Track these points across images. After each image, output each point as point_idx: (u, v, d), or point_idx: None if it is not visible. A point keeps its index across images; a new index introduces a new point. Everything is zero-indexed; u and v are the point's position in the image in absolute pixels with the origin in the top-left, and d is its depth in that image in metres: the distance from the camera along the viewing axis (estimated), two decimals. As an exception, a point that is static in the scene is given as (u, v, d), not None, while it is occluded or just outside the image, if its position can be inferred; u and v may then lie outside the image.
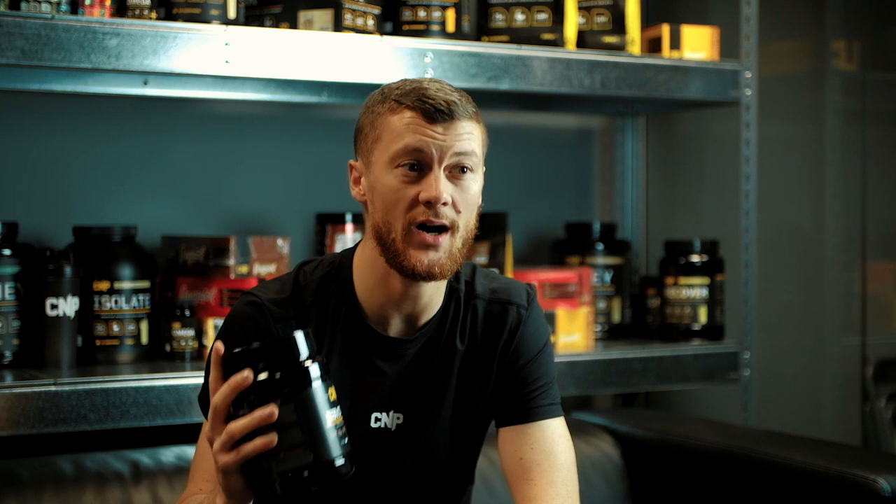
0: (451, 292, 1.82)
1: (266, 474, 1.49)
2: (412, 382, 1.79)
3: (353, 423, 1.76)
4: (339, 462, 1.51)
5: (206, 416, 1.72)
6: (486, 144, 1.76)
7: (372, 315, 1.78)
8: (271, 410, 1.47)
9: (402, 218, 1.68)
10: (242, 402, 1.49)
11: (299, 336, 1.52)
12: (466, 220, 1.72)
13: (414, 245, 1.68)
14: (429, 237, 1.68)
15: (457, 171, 1.70)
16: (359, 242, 1.82)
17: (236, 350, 1.51)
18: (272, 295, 1.77)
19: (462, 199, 1.70)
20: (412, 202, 1.68)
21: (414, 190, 1.68)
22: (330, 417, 1.51)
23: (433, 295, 1.78)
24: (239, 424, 1.49)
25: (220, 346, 1.53)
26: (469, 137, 1.70)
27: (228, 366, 1.51)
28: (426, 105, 1.68)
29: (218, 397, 1.51)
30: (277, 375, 1.49)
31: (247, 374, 1.49)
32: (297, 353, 1.51)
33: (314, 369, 1.51)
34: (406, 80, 1.75)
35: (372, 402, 1.78)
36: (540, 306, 1.88)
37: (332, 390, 1.53)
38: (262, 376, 1.49)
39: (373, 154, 1.72)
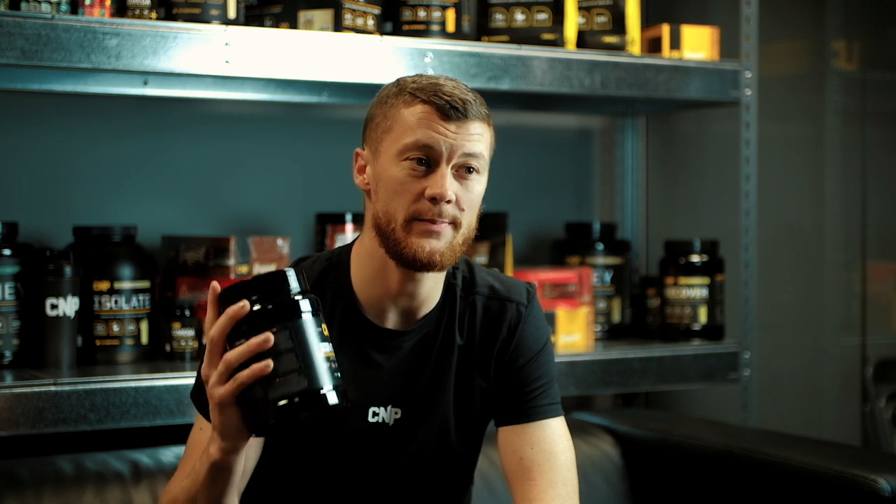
0: (448, 288, 1.82)
1: (261, 402, 1.53)
2: (410, 377, 1.80)
3: (350, 417, 1.76)
4: (332, 392, 1.54)
5: (199, 411, 1.74)
6: (493, 148, 1.77)
7: (369, 307, 1.78)
8: (267, 336, 1.51)
9: (405, 210, 1.69)
10: (238, 333, 1.53)
11: (290, 272, 1.57)
12: (469, 220, 1.73)
13: (415, 233, 1.69)
14: (431, 225, 1.69)
15: (463, 171, 1.71)
16: (356, 238, 1.82)
17: (231, 285, 1.56)
18: None
19: (466, 199, 1.71)
20: (416, 196, 1.69)
21: (420, 185, 1.69)
22: (322, 349, 1.55)
23: (431, 290, 1.79)
24: (236, 352, 1.52)
25: (216, 284, 1.57)
26: (479, 139, 1.71)
27: (224, 301, 1.55)
28: (441, 101, 1.69)
29: (215, 329, 1.54)
30: (270, 307, 1.54)
31: (243, 303, 1.52)
32: (289, 287, 1.56)
33: (305, 303, 1.56)
34: (422, 75, 1.75)
35: (370, 396, 1.78)
36: (540, 305, 1.88)
37: (324, 326, 1.58)
38: (256, 307, 1.54)
39: (382, 144, 1.72)
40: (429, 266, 1.70)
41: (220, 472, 1.59)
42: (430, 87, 1.71)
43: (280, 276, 1.57)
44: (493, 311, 1.83)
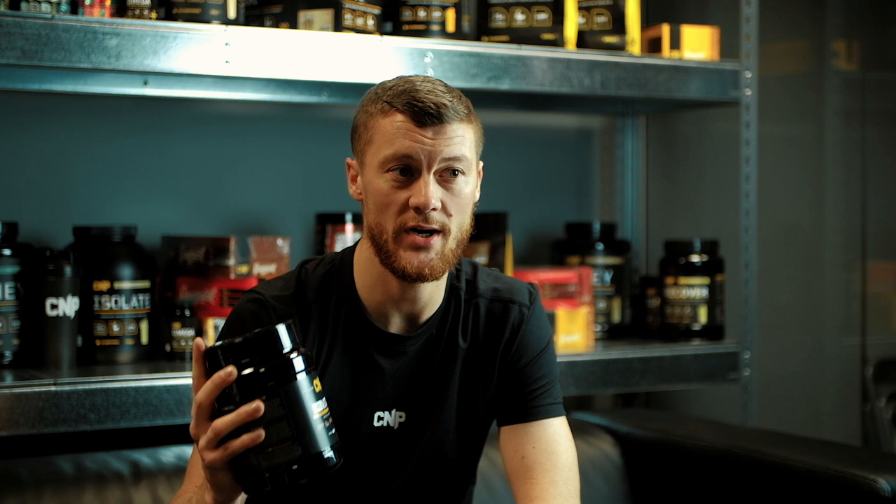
0: (451, 290, 1.82)
1: (254, 470, 1.48)
2: (414, 380, 1.80)
3: (356, 421, 1.76)
4: (328, 454, 1.50)
5: None
6: (480, 142, 1.75)
7: (373, 312, 1.78)
8: (257, 405, 1.46)
9: (393, 221, 1.69)
10: (226, 398, 1.48)
11: (281, 329, 1.50)
12: (460, 222, 1.72)
13: (404, 246, 1.69)
14: (420, 238, 1.68)
15: (448, 175, 1.70)
16: (359, 240, 1.82)
17: (218, 344, 1.49)
18: (275, 292, 1.77)
19: (453, 203, 1.70)
20: (402, 207, 1.68)
21: (404, 195, 1.68)
22: (316, 409, 1.50)
23: (432, 294, 1.78)
24: (224, 421, 1.47)
25: (200, 341, 1.51)
26: (460, 141, 1.69)
27: (211, 361, 1.50)
28: (415, 108, 1.67)
29: (202, 394, 1.49)
30: (262, 370, 1.47)
31: (230, 369, 1.47)
32: (281, 346, 1.49)
33: (298, 362, 1.50)
34: (402, 77, 1.74)
35: (374, 400, 1.78)
36: (542, 305, 1.88)
37: (317, 381, 1.52)
38: (246, 371, 1.47)
39: (366, 156, 1.72)
40: (419, 279, 1.70)
41: None
42: (405, 93, 1.69)
43: (271, 336, 1.49)
44: (496, 313, 1.83)
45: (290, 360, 1.49)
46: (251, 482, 1.50)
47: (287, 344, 1.50)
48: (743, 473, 2.48)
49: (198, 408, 1.50)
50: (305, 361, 1.51)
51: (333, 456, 1.51)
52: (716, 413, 3.19)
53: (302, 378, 1.49)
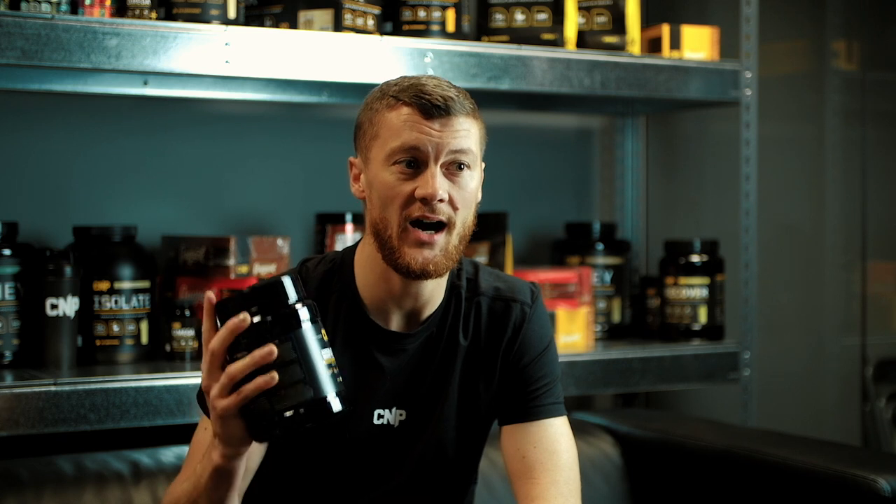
0: (451, 289, 1.82)
1: (266, 414, 1.52)
2: (415, 378, 1.80)
3: (356, 419, 1.77)
4: (336, 400, 1.54)
5: (205, 413, 1.73)
6: (484, 141, 1.76)
7: (373, 310, 1.78)
8: (270, 349, 1.50)
9: (399, 214, 1.69)
10: (237, 346, 1.52)
11: (287, 280, 1.56)
12: (464, 217, 1.72)
13: (409, 243, 1.69)
14: (424, 235, 1.68)
15: (454, 168, 1.70)
16: (360, 239, 1.82)
17: (227, 297, 1.55)
18: None
19: (459, 196, 1.70)
20: (408, 199, 1.68)
21: (410, 186, 1.68)
22: (323, 356, 1.55)
23: (434, 291, 1.79)
24: (239, 365, 1.50)
25: (211, 294, 1.56)
26: (466, 134, 1.70)
27: (222, 313, 1.54)
28: (423, 101, 1.68)
29: (215, 342, 1.52)
30: (269, 318, 1.53)
31: (244, 316, 1.51)
32: (286, 296, 1.55)
33: (304, 311, 1.55)
34: (405, 76, 1.75)
35: (374, 398, 1.78)
36: (544, 305, 1.89)
37: (323, 332, 1.57)
38: (256, 319, 1.52)
39: (371, 151, 1.72)
40: (423, 275, 1.70)
41: (221, 477, 1.59)
42: (412, 87, 1.70)
43: (278, 285, 1.55)
44: (497, 311, 1.83)
45: (296, 309, 1.54)
46: (262, 427, 1.54)
47: (293, 294, 1.55)
48: (743, 473, 2.48)
49: (211, 356, 1.53)
50: (311, 311, 1.56)
51: (341, 402, 1.55)
52: (716, 413, 3.19)
53: (308, 326, 1.54)
